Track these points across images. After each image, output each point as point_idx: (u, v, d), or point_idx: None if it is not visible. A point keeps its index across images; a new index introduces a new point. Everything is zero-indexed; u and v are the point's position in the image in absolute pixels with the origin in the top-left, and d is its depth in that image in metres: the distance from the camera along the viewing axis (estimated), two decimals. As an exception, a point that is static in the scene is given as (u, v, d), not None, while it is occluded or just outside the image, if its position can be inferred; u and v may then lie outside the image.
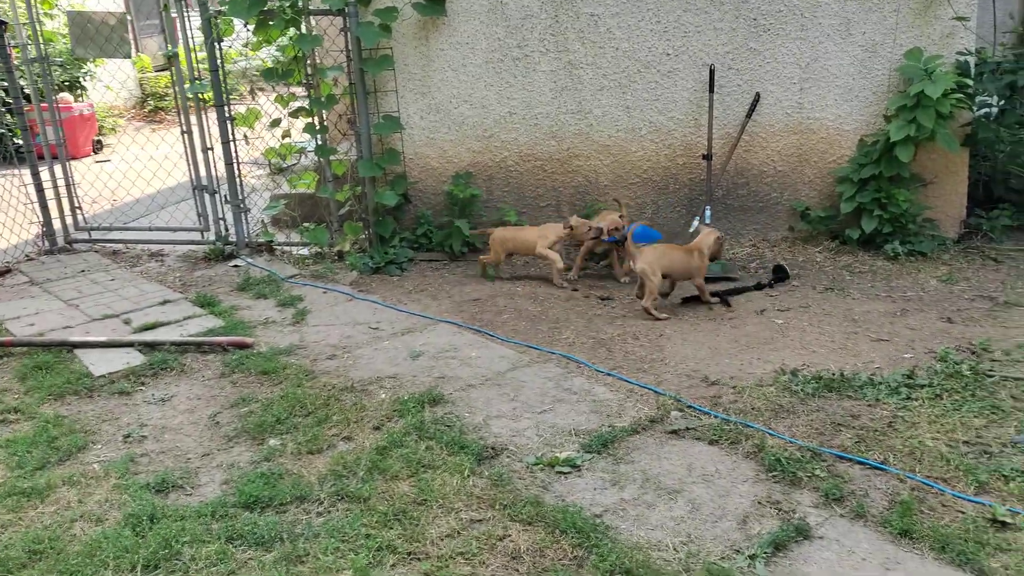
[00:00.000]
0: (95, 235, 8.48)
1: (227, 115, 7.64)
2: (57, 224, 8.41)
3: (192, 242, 8.17)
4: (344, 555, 3.32)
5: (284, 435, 4.36)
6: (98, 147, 14.38)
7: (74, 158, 13.71)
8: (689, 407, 4.46)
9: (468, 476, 3.85)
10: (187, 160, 7.96)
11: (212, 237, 8.03)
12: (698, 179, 7.28)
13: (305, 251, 7.75)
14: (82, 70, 15.20)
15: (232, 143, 7.71)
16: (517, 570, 3.24)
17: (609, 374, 4.93)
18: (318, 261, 7.50)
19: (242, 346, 5.60)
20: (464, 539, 3.41)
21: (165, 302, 6.60)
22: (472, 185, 7.46)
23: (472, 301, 6.34)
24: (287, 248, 7.88)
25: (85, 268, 7.71)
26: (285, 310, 6.34)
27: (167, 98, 16.69)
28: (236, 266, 7.57)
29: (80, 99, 14.84)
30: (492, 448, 4.12)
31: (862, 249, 7.06)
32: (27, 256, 8.11)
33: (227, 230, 7.98)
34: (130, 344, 5.67)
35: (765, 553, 3.27)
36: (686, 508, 3.61)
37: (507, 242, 6.83)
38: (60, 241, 8.39)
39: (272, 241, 7.85)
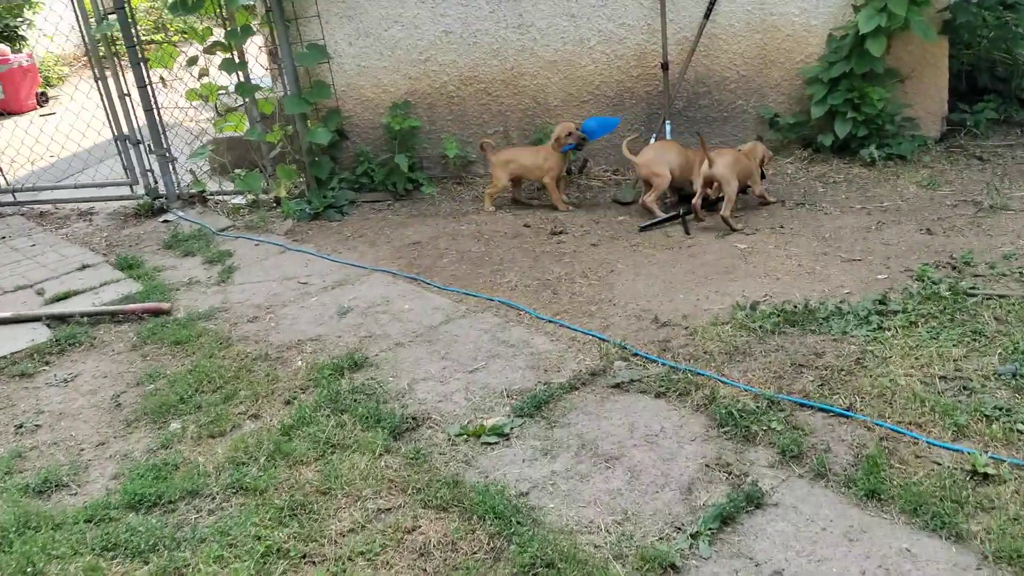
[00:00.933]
0: (20, 196, 7.90)
1: (139, 56, 6.99)
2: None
3: (122, 197, 7.59)
4: (228, 563, 2.89)
5: (187, 416, 3.90)
6: (43, 100, 13.61)
7: (16, 113, 13.06)
8: (635, 355, 3.99)
9: (381, 455, 3.40)
10: (104, 109, 7.33)
11: (142, 191, 7.46)
12: (656, 91, 6.67)
13: (241, 200, 7.19)
14: (19, 19, 14.32)
15: (149, 87, 7.08)
16: (424, 569, 2.81)
17: (551, 321, 4.45)
18: (254, 210, 6.95)
19: (158, 312, 5.11)
20: (368, 534, 2.97)
21: (84, 267, 6.09)
22: (412, 115, 6.85)
23: (412, 245, 5.83)
24: (222, 198, 7.32)
25: (6, 234, 7.17)
26: (212, 268, 5.83)
27: (119, 43, 15.81)
28: (166, 221, 7.04)
29: (19, 50, 14.00)
30: (413, 418, 3.67)
31: (837, 156, 6.50)
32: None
33: (156, 182, 7.40)
34: (37, 319, 5.18)
35: (710, 529, 2.84)
36: (624, 478, 3.17)
37: (510, 164, 6.28)
38: (-21, 207, 7.82)
39: (204, 192, 7.28)
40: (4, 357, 4.76)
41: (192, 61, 6.86)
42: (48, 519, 3.25)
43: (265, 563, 2.87)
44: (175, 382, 4.20)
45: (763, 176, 5.79)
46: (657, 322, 4.29)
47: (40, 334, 5.00)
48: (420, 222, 6.29)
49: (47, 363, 4.69)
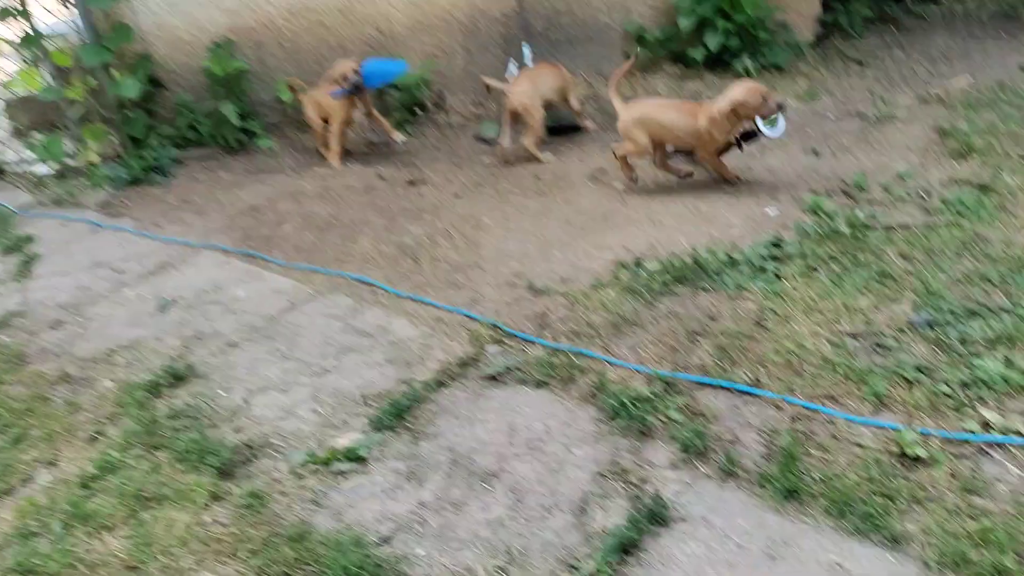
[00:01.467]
0: None
1: None
2: None
3: None
4: None
5: (-36, 471, 3.12)
6: None
7: None
8: (511, 335, 3.43)
9: (207, 506, 2.75)
10: None
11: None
12: (512, 12, 5.97)
13: (46, 169, 6.16)
14: None
15: (-88, 42, 5.88)
16: (263, 669, 2.22)
17: (412, 298, 3.84)
18: (61, 181, 5.96)
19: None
20: (189, 626, 2.35)
21: None
22: (236, 56, 5.94)
23: (248, 211, 5.05)
24: (23, 169, 6.25)
25: None
26: (8, 259, 4.91)
27: None
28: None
29: None
30: (249, 447, 3.02)
31: (709, 70, 6.03)
32: None
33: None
34: None
35: (609, 563, 2.35)
36: (507, 501, 2.64)
37: (317, 105, 5.51)
38: None
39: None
40: None
41: None
42: None
43: None
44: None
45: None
46: (533, 290, 3.74)
47: None
48: (257, 181, 5.49)
49: None
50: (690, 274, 3.58)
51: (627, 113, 4.41)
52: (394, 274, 4.07)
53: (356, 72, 5.26)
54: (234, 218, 4.97)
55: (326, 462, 2.88)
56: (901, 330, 3.08)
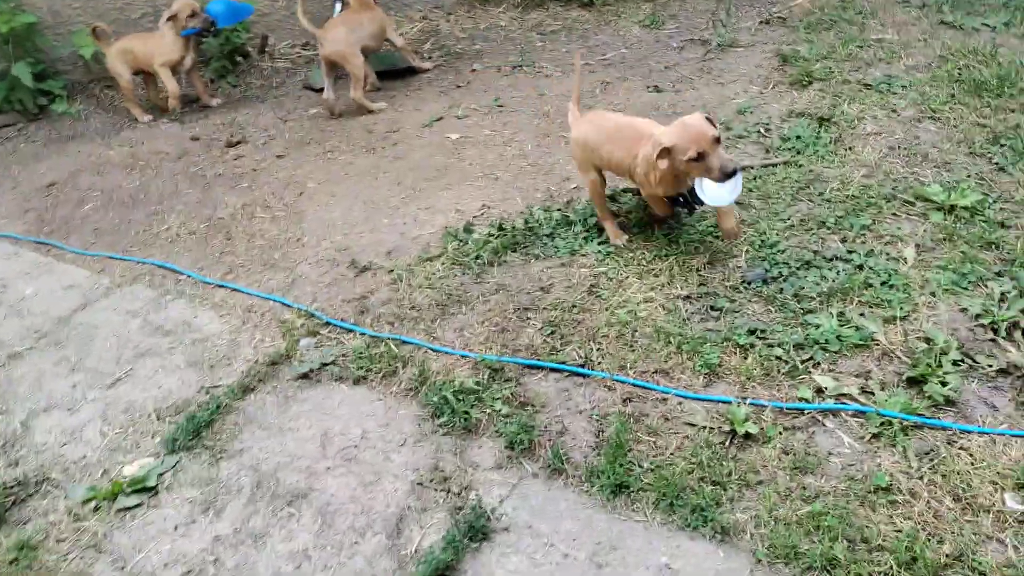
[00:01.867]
0: None
1: None
2: None
3: None
4: None
5: None
6: None
7: None
8: (327, 324, 3.11)
9: (-31, 566, 2.38)
10: None
11: None
12: (334, -58, 5.44)
13: None
14: None
15: None
16: None
17: (221, 285, 3.45)
18: None
19: None
20: None
21: None
22: (22, 7, 5.23)
23: (46, 188, 4.48)
24: None
25: None
26: None
27: None
28: None
29: None
30: (22, 483, 2.64)
31: (553, -1, 5.68)
32: None
33: None
34: None
35: (425, 594, 2.12)
36: (314, 528, 2.37)
37: (128, 55, 4.96)
38: None
39: None
40: None
41: None
42: None
43: None
44: None
45: None
46: (356, 267, 3.40)
47: None
48: (60, 151, 4.89)
49: None
50: (522, 239, 3.32)
51: (574, 130, 3.31)
52: (203, 257, 3.66)
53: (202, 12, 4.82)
54: (28, 198, 4.40)
55: (112, 496, 2.54)
56: (735, 288, 2.91)
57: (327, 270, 3.43)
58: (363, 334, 3.01)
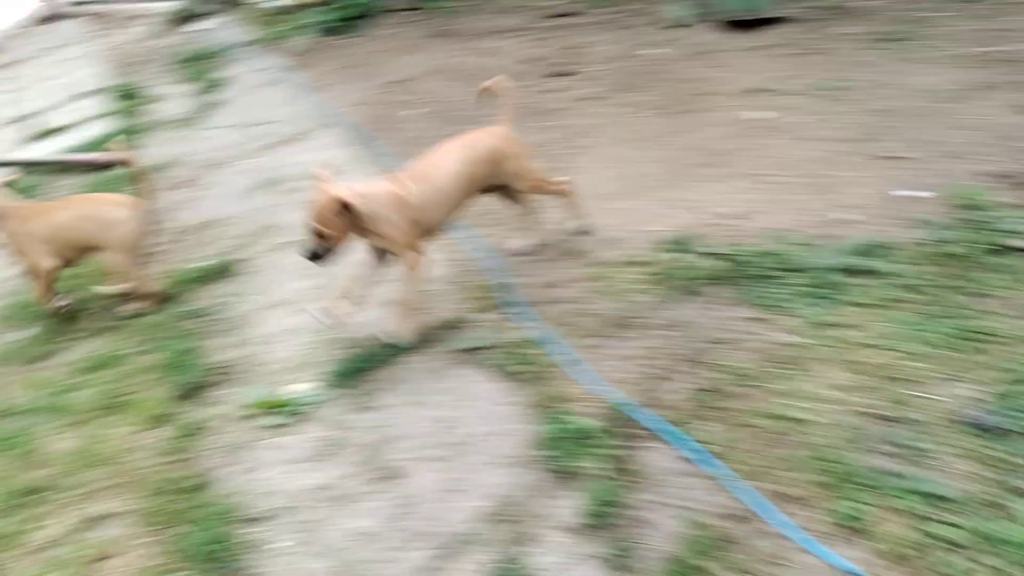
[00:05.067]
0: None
1: None
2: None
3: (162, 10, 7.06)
4: None
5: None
6: None
7: None
8: (502, 305, 3.05)
9: (150, 427, 2.87)
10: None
11: (189, -7, 6.87)
12: None
13: (276, 3, 6.42)
14: None
15: None
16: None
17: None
18: (284, 17, 6.19)
19: (110, 165, 4.71)
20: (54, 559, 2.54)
21: (88, 94, 5.76)
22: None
23: (396, 84, 4.90)
24: (252, 3, 6.56)
25: (64, 42, 6.94)
26: (201, 100, 5.29)
27: None
28: (196, 31, 6.46)
29: None
30: (222, 371, 3.07)
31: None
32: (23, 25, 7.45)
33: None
34: (12, 164, 4.99)
35: None
36: (388, 514, 2.47)
37: None
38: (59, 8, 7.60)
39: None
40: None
41: None
42: None
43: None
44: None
45: None
46: (560, 250, 3.24)
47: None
48: (428, 47, 5.26)
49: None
50: (740, 273, 2.88)
51: None
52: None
53: None
54: (381, 90, 4.86)
55: (268, 408, 2.86)
56: (945, 421, 2.26)
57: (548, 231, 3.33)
58: (524, 327, 2.91)
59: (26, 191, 4.48)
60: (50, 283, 3.37)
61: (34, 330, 3.46)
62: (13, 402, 3.10)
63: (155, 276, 3.47)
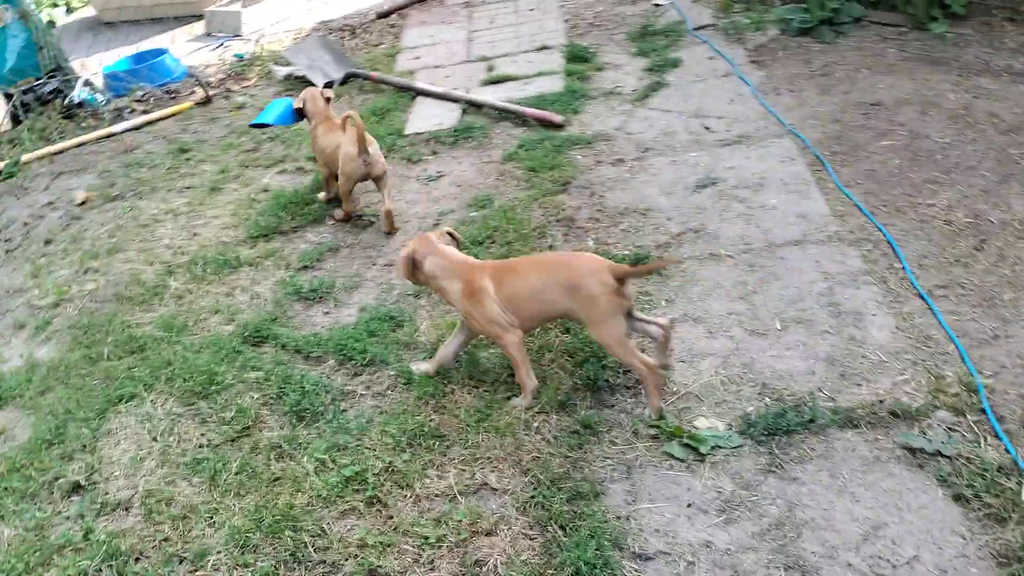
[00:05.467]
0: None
1: None
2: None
3: (638, -32, 7.05)
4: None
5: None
6: None
7: None
8: (981, 411, 2.51)
9: (556, 411, 2.77)
10: None
11: (660, -36, 6.81)
12: None
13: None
14: None
15: None
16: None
17: (922, 297, 3.02)
18: (747, 6, 5.89)
19: (549, 124, 4.79)
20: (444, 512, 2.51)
21: (542, 48, 5.92)
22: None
23: (866, 107, 4.37)
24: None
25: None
26: (646, 78, 5.19)
27: None
28: (658, 4, 6.38)
29: None
30: (627, 375, 2.89)
31: None
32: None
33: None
34: (458, 100, 5.26)
35: None
36: (782, 609, 2.12)
37: None
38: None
39: (705, -22, 6.35)
40: (408, 135, 4.97)
41: None
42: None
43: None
44: (491, 216, 3.92)
45: None
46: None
47: (449, 119, 5.08)
48: (912, 72, 4.64)
49: (435, 152, 4.76)
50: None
51: None
52: (939, 252, 3.21)
53: None
54: (845, 110, 4.37)
55: (670, 437, 2.62)
56: None
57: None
58: (1010, 454, 2.36)
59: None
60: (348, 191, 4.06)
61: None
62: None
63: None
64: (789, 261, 3.31)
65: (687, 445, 2.57)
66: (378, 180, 4.02)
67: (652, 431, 2.64)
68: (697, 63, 5.26)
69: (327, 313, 3.52)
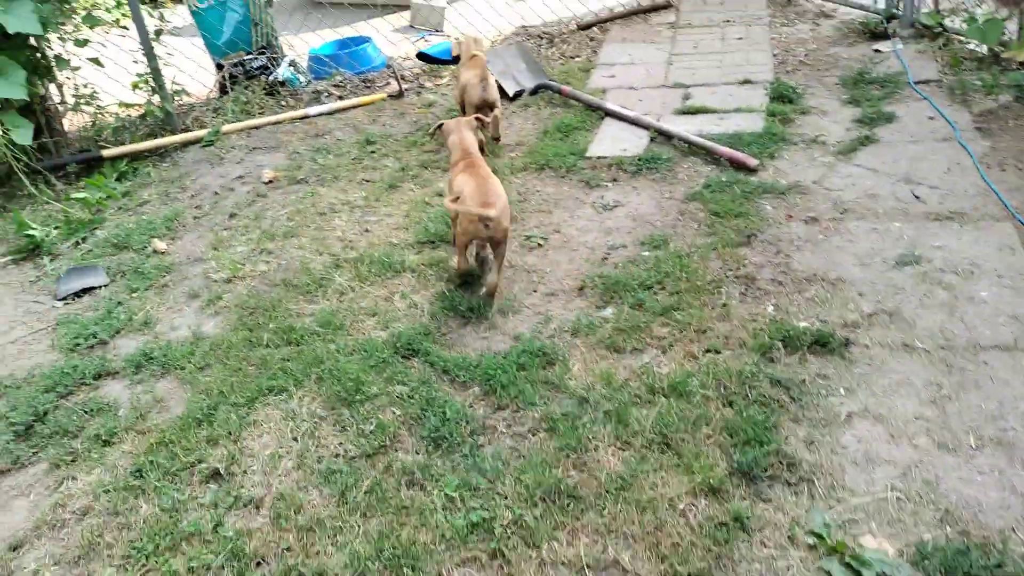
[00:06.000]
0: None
1: None
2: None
3: (861, 7, 6.61)
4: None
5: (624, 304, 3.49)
6: None
7: None
8: None
9: (704, 493, 2.56)
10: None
11: (883, 5, 6.36)
12: None
13: (977, 47, 5.60)
14: None
15: None
16: None
17: None
18: (979, 66, 5.38)
19: (742, 166, 4.52)
20: None
21: (745, 82, 5.64)
22: None
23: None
24: (957, 38, 5.79)
25: (736, 18, 6.95)
26: (854, 129, 4.82)
27: None
28: (878, 51, 5.93)
29: None
30: (793, 470, 2.63)
31: None
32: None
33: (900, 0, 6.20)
34: (648, 127, 5.07)
35: None
36: None
37: None
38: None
39: (937, 27, 5.84)
40: (590, 158, 4.84)
41: None
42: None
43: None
44: (656, 266, 3.72)
45: None
46: None
47: (635, 145, 4.91)
48: None
49: (615, 179, 4.61)
50: None
51: None
52: None
53: None
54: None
55: (842, 554, 2.35)
56: None
57: None
58: None
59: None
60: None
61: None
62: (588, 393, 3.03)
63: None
64: (994, 368, 2.92)
65: (848, 565, 2.28)
66: (492, 107, 4.90)
67: (811, 539, 2.37)
68: (914, 121, 4.82)
69: (481, 336, 3.44)
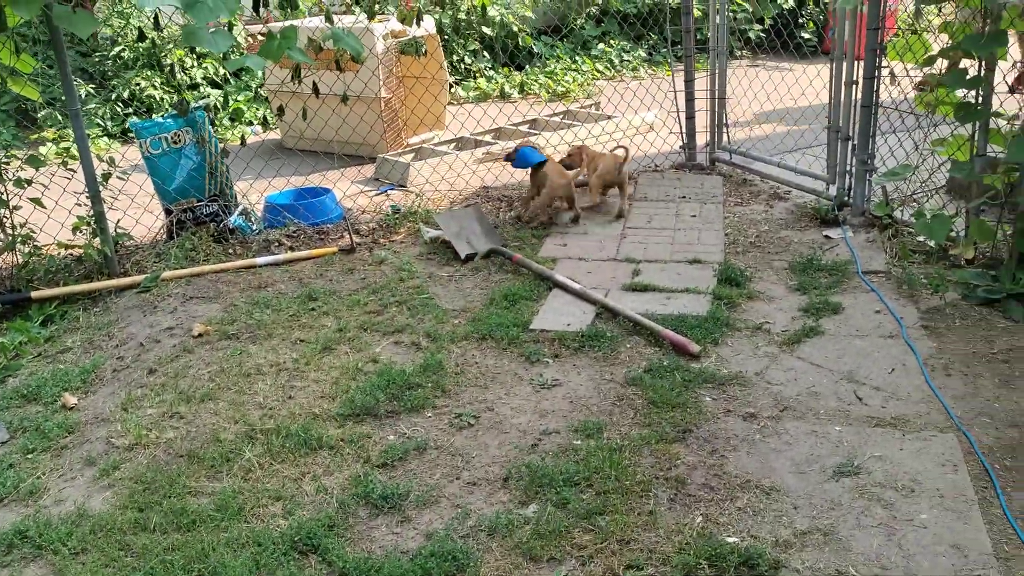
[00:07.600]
0: (735, 159, 7.66)
1: (879, 41, 5.83)
2: (702, 139, 7.82)
3: (813, 192, 6.74)
4: None
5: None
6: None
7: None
8: None
9: None
10: (829, 92, 6.43)
11: (834, 192, 6.49)
12: None
13: (925, 240, 5.66)
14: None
15: (876, 79, 5.91)
16: None
17: None
18: (927, 260, 5.42)
19: (683, 351, 4.41)
20: None
21: (694, 261, 5.62)
22: None
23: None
24: (907, 229, 5.86)
25: (692, 195, 7.05)
26: (800, 319, 4.76)
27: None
28: (828, 237, 5.99)
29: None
30: None
31: None
32: (655, 167, 7.80)
33: (849, 189, 6.32)
34: (594, 303, 4.99)
35: None
36: None
37: None
38: (701, 157, 7.84)
39: (885, 217, 5.93)
40: (534, 331, 4.72)
41: (929, 61, 5.40)
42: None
43: None
44: (594, 452, 3.54)
45: None
46: None
47: (580, 320, 4.81)
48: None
49: (556, 356, 4.47)
50: None
51: None
52: None
53: None
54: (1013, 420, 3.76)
55: None
56: None
57: None
58: None
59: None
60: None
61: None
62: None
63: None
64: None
65: None
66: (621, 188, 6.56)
67: None
68: (861, 314, 4.78)
69: (392, 531, 3.18)
